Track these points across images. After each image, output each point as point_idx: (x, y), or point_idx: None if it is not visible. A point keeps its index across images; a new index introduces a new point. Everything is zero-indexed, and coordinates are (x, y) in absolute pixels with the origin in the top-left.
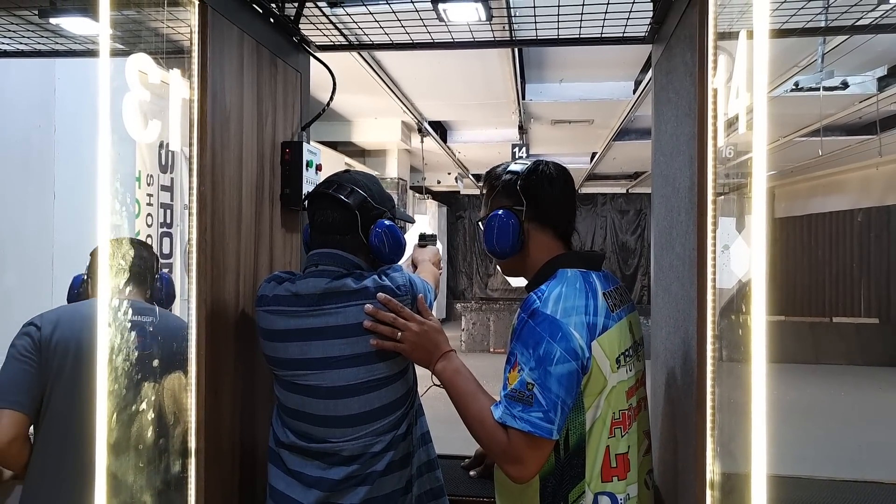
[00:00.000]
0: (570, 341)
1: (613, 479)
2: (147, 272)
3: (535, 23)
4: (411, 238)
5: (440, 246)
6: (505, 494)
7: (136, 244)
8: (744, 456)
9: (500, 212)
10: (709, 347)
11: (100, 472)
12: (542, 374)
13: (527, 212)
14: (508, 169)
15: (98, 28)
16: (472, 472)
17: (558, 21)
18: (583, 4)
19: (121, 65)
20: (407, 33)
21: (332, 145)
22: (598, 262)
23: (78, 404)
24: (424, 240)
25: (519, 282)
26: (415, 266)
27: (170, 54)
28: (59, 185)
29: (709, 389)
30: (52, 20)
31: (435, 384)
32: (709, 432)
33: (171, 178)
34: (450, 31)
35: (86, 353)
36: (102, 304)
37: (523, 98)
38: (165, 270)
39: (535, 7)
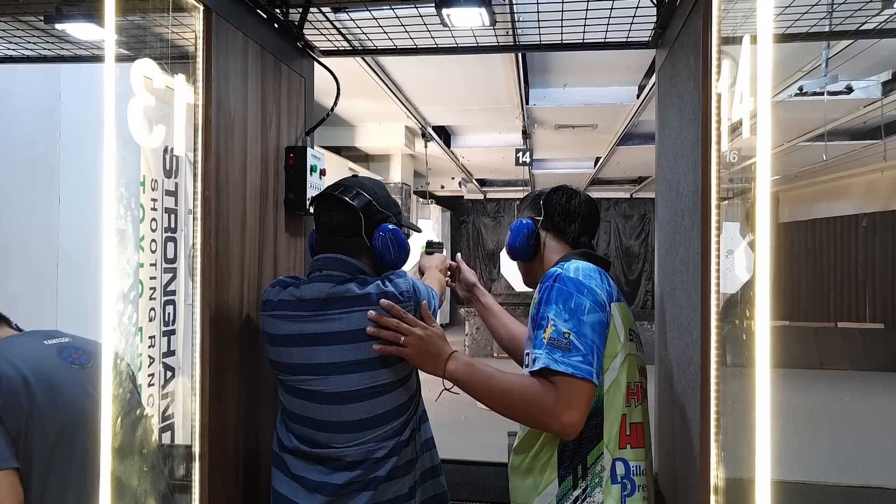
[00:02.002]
0: (595, 295)
1: (627, 447)
2: None
3: (539, 28)
4: (417, 246)
5: (446, 253)
6: (520, 472)
7: None
8: (748, 461)
9: (523, 220)
10: (713, 352)
11: (104, 478)
12: (577, 322)
13: (542, 221)
14: (539, 190)
15: (103, 34)
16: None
17: (562, 26)
18: (586, 10)
19: (126, 70)
20: (411, 38)
21: (336, 150)
22: (605, 265)
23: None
24: (431, 247)
25: (522, 286)
26: (421, 273)
27: (174, 59)
28: (64, 189)
29: (713, 394)
30: (58, 26)
31: (447, 388)
32: (713, 437)
33: (176, 183)
34: (454, 37)
35: (56, 390)
36: (108, 309)
37: (527, 103)
38: None
39: (538, 12)
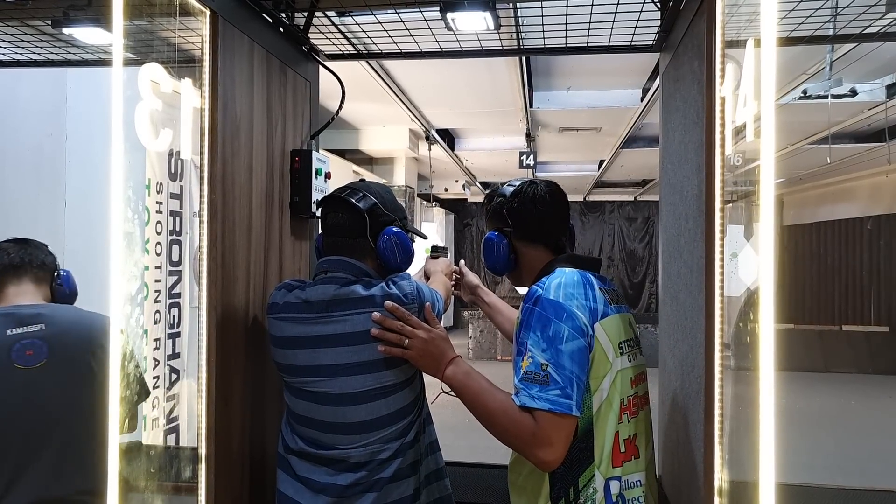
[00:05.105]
0: (575, 320)
1: (623, 464)
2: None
3: (543, 31)
4: (421, 250)
5: (451, 257)
6: (516, 488)
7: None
8: (752, 464)
9: (493, 235)
10: (717, 355)
11: (112, 477)
12: (555, 353)
13: (514, 232)
14: (497, 192)
15: (110, 38)
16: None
17: (566, 30)
18: (591, 13)
19: (133, 74)
20: (415, 42)
21: (340, 153)
22: (594, 266)
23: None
24: (437, 251)
25: (525, 291)
26: (427, 277)
27: (181, 64)
28: (70, 192)
29: (717, 397)
30: (65, 30)
31: (444, 391)
32: (717, 440)
33: (181, 186)
34: (458, 40)
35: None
36: (116, 311)
37: (531, 106)
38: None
39: (542, 16)
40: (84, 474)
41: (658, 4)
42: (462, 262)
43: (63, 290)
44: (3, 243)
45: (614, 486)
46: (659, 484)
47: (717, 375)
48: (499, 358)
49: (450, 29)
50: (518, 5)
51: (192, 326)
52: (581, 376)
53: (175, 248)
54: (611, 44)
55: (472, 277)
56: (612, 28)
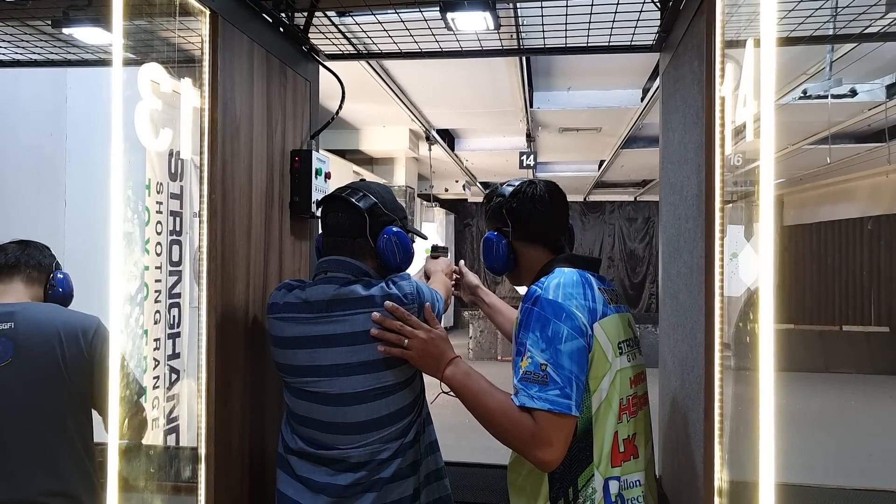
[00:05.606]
0: (574, 320)
1: (622, 464)
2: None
3: (543, 31)
4: (422, 250)
5: (451, 257)
6: (515, 488)
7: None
8: (752, 464)
9: (492, 234)
10: (717, 355)
11: (112, 476)
12: (554, 353)
13: (513, 232)
14: (497, 192)
15: (110, 38)
16: None
17: (566, 30)
18: (591, 13)
19: (133, 74)
20: (415, 42)
21: (340, 153)
22: (594, 265)
23: None
24: (437, 251)
25: (525, 290)
26: (427, 277)
27: (181, 63)
28: (70, 192)
29: (717, 397)
30: (65, 30)
31: (444, 391)
32: (717, 440)
33: (181, 186)
34: (458, 40)
35: None
36: (115, 311)
37: (531, 106)
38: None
39: (542, 16)
40: (51, 475)
41: (658, 4)
42: (462, 262)
43: (57, 292)
44: (7, 244)
45: (613, 486)
46: (658, 484)
47: (717, 375)
48: (499, 358)
49: (450, 29)
50: (518, 5)
51: (192, 326)
52: (580, 376)
53: (175, 248)
54: (611, 44)
55: (472, 277)
56: (612, 28)
